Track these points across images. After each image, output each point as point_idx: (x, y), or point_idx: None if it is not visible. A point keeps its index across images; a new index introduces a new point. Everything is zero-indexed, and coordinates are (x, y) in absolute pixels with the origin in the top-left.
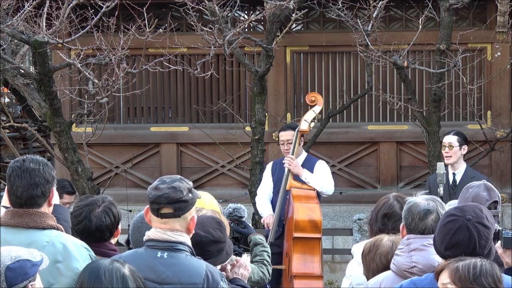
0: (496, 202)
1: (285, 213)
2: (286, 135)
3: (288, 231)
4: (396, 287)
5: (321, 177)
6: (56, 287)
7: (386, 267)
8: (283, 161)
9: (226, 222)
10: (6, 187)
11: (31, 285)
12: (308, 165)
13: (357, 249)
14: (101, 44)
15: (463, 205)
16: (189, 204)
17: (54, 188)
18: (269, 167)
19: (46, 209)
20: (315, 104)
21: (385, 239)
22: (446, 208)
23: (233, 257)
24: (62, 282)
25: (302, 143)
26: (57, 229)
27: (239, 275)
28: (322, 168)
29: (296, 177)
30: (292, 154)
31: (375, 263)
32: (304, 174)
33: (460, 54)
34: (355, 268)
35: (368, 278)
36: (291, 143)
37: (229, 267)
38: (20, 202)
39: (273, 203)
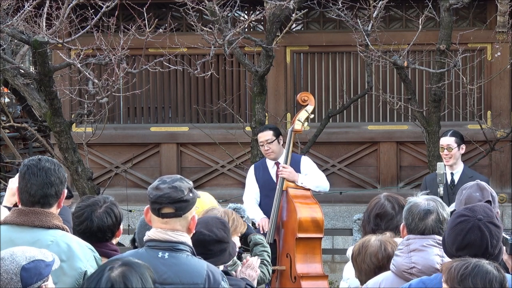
0: (489, 201)
1: (279, 213)
2: (264, 136)
3: (288, 231)
4: (404, 286)
5: (315, 177)
6: (59, 286)
7: (378, 267)
8: (278, 172)
9: (240, 219)
10: (11, 186)
11: (45, 285)
12: (293, 162)
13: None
14: (101, 44)
15: (473, 205)
16: (190, 204)
17: (65, 190)
18: (251, 171)
19: (55, 209)
20: (307, 104)
21: (373, 239)
22: (448, 211)
23: (238, 262)
24: (65, 282)
25: (282, 143)
26: (63, 229)
27: (246, 276)
28: (309, 165)
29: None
30: (287, 156)
31: (366, 264)
32: (300, 179)
33: (460, 54)
34: (352, 270)
35: (361, 280)
36: (270, 142)
37: (239, 268)
38: (33, 200)
39: (262, 206)
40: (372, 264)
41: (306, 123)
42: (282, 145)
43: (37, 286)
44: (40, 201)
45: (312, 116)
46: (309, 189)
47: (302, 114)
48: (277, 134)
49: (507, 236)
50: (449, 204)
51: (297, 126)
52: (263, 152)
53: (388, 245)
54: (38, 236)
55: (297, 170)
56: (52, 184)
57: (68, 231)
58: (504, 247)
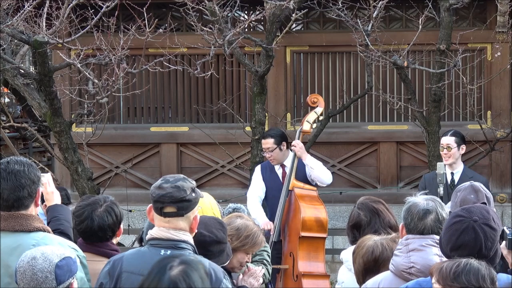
0: (484, 203)
1: (284, 212)
2: (266, 143)
3: (292, 231)
4: (402, 287)
5: (320, 165)
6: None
7: (364, 269)
8: (291, 145)
9: (259, 239)
10: None
11: (73, 282)
12: (299, 162)
13: (346, 255)
14: (101, 44)
15: (470, 206)
16: (192, 204)
17: (40, 189)
18: (258, 170)
19: (33, 210)
20: (317, 106)
21: (370, 239)
22: (447, 210)
23: (249, 265)
24: None
25: (285, 148)
26: (44, 230)
27: (247, 284)
28: (313, 159)
29: (298, 177)
30: (294, 155)
31: (356, 265)
32: (307, 159)
33: (460, 54)
34: (345, 273)
35: (357, 279)
36: (272, 150)
37: (241, 276)
38: (7, 205)
39: (270, 206)
40: (359, 266)
41: (315, 125)
42: (288, 148)
43: (68, 283)
44: (14, 204)
45: (321, 117)
46: (315, 189)
47: (311, 116)
48: (279, 141)
49: (507, 231)
50: None
51: (306, 127)
52: (267, 157)
53: (378, 247)
54: (19, 241)
55: (303, 168)
56: (23, 186)
57: (50, 232)
58: (504, 241)
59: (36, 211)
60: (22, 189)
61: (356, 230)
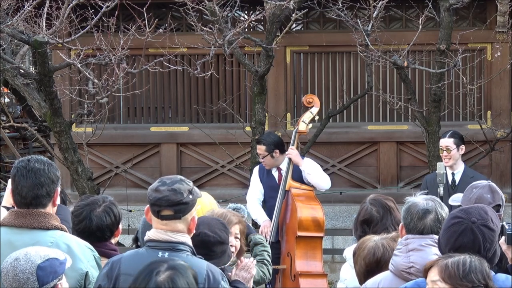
0: (499, 205)
1: (281, 213)
2: (258, 149)
3: (290, 230)
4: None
5: (319, 171)
6: None
7: (367, 271)
8: (287, 153)
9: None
10: (10, 187)
11: (60, 283)
12: (295, 165)
13: (349, 252)
14: (101, 44)
15: (468, 207)
16: (190, 206)
17: (59, 188)
18: (256, 171)
19: (50, 209)
20: (312, 106)
21: (371, 240)
22: (450, 203)
23: (247, 259)
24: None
25: (279, 155)
26: (61, 229)
27: (240, 278)
28: (310, 163)
29: (294, 177)
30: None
31: (358, 266)
32: (303, 165)
33: (460, 54)
34: (348, 271)
35: (359, 280)
36: (264, 157)
37: (234, 271)
38: (25, 202)
39: (268, 208)
40: (361, 267)
41: (310, 125)
42: (282, 154)
43: (53, 285)
44: (32, 202)
45: (317, 117)
46: (312, 190)
47: (307, 116)
48: (271, 149)
49: (506, 226)
50: (449, 204)
51: (302, 127)
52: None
53: (380, 249)
54: (37, 238)
55: (299, 170)
56: (42, 184)
57: (66, 231)
58: (503, 236)
59: (53, 210)
60: (41, 187)
61: (366, 226)
